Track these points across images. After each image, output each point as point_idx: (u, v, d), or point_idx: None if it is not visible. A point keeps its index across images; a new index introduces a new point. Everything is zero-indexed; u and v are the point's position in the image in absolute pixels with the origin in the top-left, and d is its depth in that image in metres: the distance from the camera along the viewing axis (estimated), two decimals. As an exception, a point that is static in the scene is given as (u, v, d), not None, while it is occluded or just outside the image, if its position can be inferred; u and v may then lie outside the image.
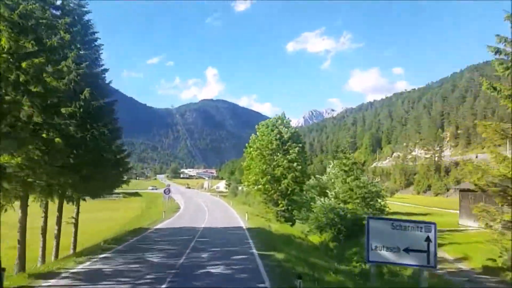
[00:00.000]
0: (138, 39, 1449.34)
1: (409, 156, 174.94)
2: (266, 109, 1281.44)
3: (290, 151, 42.29)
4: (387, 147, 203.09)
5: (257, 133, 45.96)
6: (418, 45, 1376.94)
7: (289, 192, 41.77)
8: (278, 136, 42.71)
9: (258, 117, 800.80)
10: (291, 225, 41.26)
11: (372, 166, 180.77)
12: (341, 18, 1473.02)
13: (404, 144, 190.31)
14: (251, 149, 45.05)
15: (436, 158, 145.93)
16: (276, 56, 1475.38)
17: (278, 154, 42.87)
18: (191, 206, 59.06)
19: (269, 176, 41.98)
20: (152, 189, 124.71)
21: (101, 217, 49.02)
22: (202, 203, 69.88)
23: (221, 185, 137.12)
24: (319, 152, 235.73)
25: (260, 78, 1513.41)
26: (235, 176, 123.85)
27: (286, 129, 43.41)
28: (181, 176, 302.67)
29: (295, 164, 42.44)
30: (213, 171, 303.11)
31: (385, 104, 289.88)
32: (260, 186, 43.21)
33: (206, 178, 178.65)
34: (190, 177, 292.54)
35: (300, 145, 45.03)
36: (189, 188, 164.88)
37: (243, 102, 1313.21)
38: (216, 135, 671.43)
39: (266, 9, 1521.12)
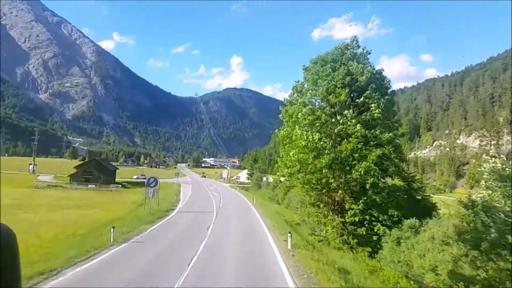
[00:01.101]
0: (163, 28, 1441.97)
1: (455, 144, 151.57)
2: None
3: (372, 106, 20.97)
4: (426, 134, 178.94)
5: (303, 77, 24.57)
6: (449, 31, 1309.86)
7: (368, 187, 20.57)
8: (346, 79, 21.52)
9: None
10: (371, 254, 20.60)
11: (411, 155, 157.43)
12: (369, 3, 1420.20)
13: (447, 131, 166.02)
14: (293, 110, 23.86)
15: (491, 146, 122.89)
16: (302, 43, 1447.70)
17: (346, 115, 21.58)
18: (195, 205, 38.85)
19: (328, 156, 20.82)
20: (138, 177, 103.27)
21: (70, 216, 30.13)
22: (213, 198, 49.28)
23: (243, 175, 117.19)
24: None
25: (285, 66, 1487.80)
26: (259, 164, 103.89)
27: (360, 66, 22.12)
28: (203, 165, 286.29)
29: (378, 132, 21.22)
30: (236, 160, 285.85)
31: (417, 90, 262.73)
32: (307, 176, 22.21)
33: (227, 167, 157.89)
34: (211, 166, 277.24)
35: (388, 97, 23.41)
36: (205, 177, 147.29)
37: (267, 91, 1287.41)
38: (240, 124, 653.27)
39: None
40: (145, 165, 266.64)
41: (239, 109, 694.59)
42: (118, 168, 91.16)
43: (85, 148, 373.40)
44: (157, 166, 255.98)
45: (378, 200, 20.83)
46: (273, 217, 29.98)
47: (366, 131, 21.25)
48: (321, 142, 21.63)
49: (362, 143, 21.12)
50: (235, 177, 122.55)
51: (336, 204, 22.88)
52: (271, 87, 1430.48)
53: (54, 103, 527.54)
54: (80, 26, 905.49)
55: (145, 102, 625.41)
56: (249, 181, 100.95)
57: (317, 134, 21.77)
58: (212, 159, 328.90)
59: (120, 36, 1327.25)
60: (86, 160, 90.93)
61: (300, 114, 22.44)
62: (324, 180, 21.95)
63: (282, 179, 39.94)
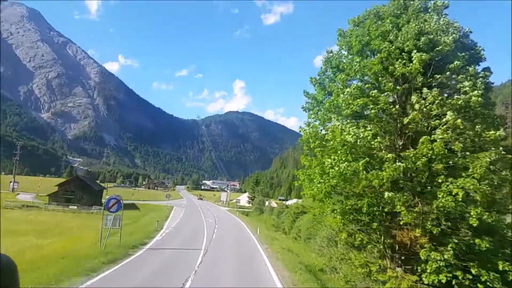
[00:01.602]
0: (168, 51, 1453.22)
1: None
2: (292, 123, 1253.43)
3: (465, 86, 11.80)
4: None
5: (339, 47, 15.26)
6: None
7: (472, 222, 11.13)
8: (420, 40, 12.46)
9: (283, 131, 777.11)
10: None
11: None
12: None
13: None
14: (325, 92, 14.55)
15: None
16: (304, 69, 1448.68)
17: (425, 95, 12.21)
18: (178, 237, 29.12)
19: (391, 166, 11.46)
20: (110, 199, 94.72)
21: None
22: (206, 227, 39.56)
23: (243, 198, 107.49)
24: None
25: (287, 91, 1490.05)
26: (261, 187, 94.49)
27: (443, 21, 13.00)
28: (202, 187, 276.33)
29: (479, 128, 11.83)
30: (236, 183, 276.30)
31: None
32: (349, 201, 12.91)
33: (227, 190, 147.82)
34: (211, 189, 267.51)
35: (482, 74, 13.96)
36: (202, 199, 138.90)
37: (268, 115, 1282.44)
38: (241, 148, 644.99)
39: (295, 22, 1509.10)
40: (143, 186, 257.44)
41: (240, 133, 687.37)
42: (106, 188, 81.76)
43: (84, 168, 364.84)
44: (155, 188, 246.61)
45: (483, 245, 11.46)
46: (291, 261, 20.34)
47: (467, 120, 11.95)
48: (376, 142, 12.46)
49: (454, 141, 11.81)
50: (234, 201, 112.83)
51: (399, 248, 13.47)
52: (273, 111, 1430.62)
53: (56, 122, 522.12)
54: (86, 48, 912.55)
55: (147, 123, 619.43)
56: (250, 205, 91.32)
57: (368, 129, 12.67)
58: (212, 181, 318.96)
59: (125, 58, 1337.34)
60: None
61: (341, 96, 13.28)
62: (383, 209, 12.66)
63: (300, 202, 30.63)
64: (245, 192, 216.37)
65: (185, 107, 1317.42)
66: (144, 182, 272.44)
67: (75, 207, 63.55)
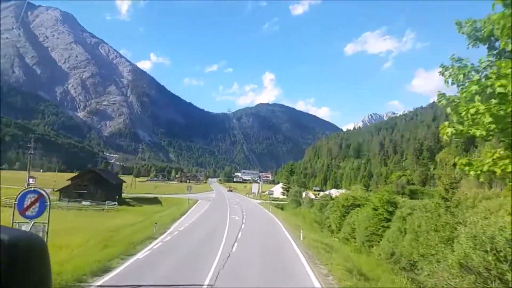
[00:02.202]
0: (198, 48, 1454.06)
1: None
2: (324, 113, 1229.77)
3: None
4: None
5: None
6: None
7: None
8: None
9: (315, 121, 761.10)
10: None
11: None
12: (404, 16, 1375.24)
13: None
14: None
15: None
16: (335, 58, 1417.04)
17: None
18: (182, 246, 19.68)
19: None
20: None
21: None
22: (228, 226, 29.61)
23: (277, 190, 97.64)
24: (392, 153, 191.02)
25: (318, 81, 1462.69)
26: (296, 177, 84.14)
27: None
28: (234, 180, 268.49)
29: None
30: (269, 175, 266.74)
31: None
32: None
33: (258, 182, 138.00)
34: (244, 181, 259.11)
35: None
36: (231, 191, 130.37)
37: (299, 106, 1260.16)
38: (272, 139, 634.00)
39: (324, 11, 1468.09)
40: (176, 179, 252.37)
41: (271, 124, 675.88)
42: (125, 181, 73.30)
43: (120, 163, 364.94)
44: (188, 181, 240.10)
45: None
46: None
47: None
48: None
49: None
50: (267, 192, 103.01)
51: None
52: (303, 102, 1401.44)
53: (92, 120, 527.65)
54: (118, 48, 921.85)
55: (179, 119, 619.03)
56: (285, 197, 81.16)
57: None
58: (245, 171, 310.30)
59: (156, 56, 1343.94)
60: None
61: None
62: None
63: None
64: (278, 183, 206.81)
65: (216, 102, 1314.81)
66: (176, 176, 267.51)
67: (88, 203, 55.47)
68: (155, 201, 66.84)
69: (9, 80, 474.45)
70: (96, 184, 60.07)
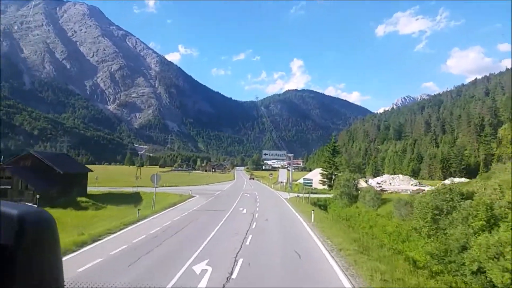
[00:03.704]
0: (225, 37, 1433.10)
1: None
2: (355, 98, 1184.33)
3: None
4: None
5: None
6: None
7: None
8: None
9: (346, 106, 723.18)
10: None
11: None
12: None
13: None
14: None
15: None
16: (365, 41, 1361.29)
17: None
18: None
19: None
20: None
21: None
22: None
23: (313, 176, 72.38)
24: (440, 132, 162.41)
25: (348, 66, 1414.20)
26: (346, 157, 58.74)
27: None
28: (263, 167, 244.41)
29: None
30: (300, 161, 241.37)
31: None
32: None
33: (289, 169, 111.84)
34: (273, 168, 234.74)
35: None
36: (253, 179, 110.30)
37: (329, 92, 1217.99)
38: (302, 126, 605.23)
39: None
40: (201, 168, 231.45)
41: (301, 111, 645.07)
42: (91, 170, 49.22)
43: (148, 154, 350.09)
44: (213, 170, 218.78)
45: None
46: None
47: None
48: None
49: None
50: (300, 181, 77.76)
51: None
52: (333, 88, 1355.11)
53: (121, 113, 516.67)
54: (147, 40, 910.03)
55: (207, 108, 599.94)
56: (325, 187, 55.64)
57: None
58: (274, 161, 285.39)
59: (185, 48, 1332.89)
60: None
61: None
62: None
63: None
64: (310, 170, 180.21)
65: (244, 90, 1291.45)
66: (202, 165, 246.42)
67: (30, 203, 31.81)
68: (130, 199, 42.92)
69: (40, 76, 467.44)
70: (30, 174, 37.02)
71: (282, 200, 39.88)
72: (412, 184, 72.84)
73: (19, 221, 0.89)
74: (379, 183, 69.62)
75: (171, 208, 28.69)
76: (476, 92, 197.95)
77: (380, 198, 34.05)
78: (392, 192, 43.54)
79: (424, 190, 48.92)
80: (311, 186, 38.20)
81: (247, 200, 37.75)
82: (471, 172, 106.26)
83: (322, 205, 41.47)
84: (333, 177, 51.24)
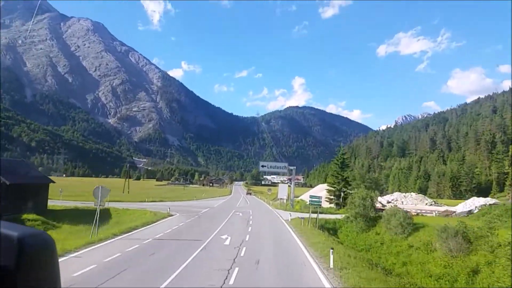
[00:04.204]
0: (228, 54, 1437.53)
1: None
2: (356, 116, 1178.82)
3: None
4: None
5: None
6: None
7: None
8: None
9: (347, 123, 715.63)
10: None
11: None
12: (438, 15, 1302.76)
13: None
14: None
15: None
16: (366, 61, 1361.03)
17: None
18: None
19: None
20: None
21: None
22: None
23: (318, 192, 64.02)
24: (446, 149, 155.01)
25: (349, 84, 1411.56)
26: (358, 172, 50.50)
27: None
28: (263, 183, 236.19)
29: None
30: (300, 177, 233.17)
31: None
32: None
33: (289, 184, 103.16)
34: (273, 184, 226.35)
35: None
36: (250, 194, 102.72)
37: (330, 110, 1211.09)
38: (303, 142, 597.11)
39: (355, 13, 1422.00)
40: (198, 183, 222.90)
41: (301, 127, 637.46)
42: (53, 182, 40.56)
43: (146, 167, 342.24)
44: (210, 184, 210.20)
45: None
46: None
47: None
48: None
49: None
50: (303, 198, 68.88)
51: None
52: (334, 106, 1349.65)
53: (122, 126, 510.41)
54: (151, 57, 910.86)
55: (208, 123, 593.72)
56: (331, 205, 46.96)
57: None
58: (274, 176, 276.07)
59: (188, 64, 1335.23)
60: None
61: None
62: None
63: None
64: (311, 186, 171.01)
65: (246, 107, 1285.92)
66: (200, 179, 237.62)
67: None
68: (93, 215, 34.41)
69: (42, 89, 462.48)
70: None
71: (281, 222, 31.12)
72: (427, 204, 64.22)
73: (19, 243, 0.88)
74: (389, 202, 61.15)
75: (128, 233, 20.18)
76: (482, 110, 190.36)
77: (412, 223, 25.40)
78: (414, 214, 34.93)
79: (453, 212, 40.28)
80: (320, 205, 29.56)
81: (237, 223, 29.10)
82: (482, 191, 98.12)
83: (331, 229, 32.79)
84: (342, 194, 42.69)
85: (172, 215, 33.13)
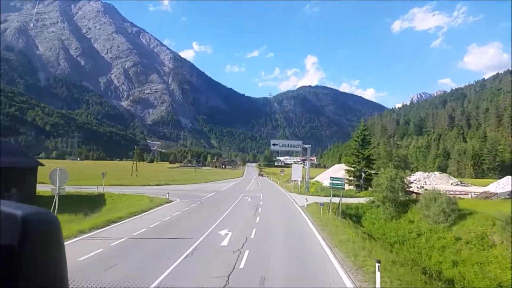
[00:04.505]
0: (239, 34, 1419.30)
1: None
2: (370, 94, 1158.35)
3: None
4: None
5: None
6: None
7: None
8: None
9: (361, 102, 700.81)
10: None
11: None
12: None
13: None
14: None
15: None
16: (381, 37, 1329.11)
17: None
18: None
19: None
20: None
21: None
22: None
23: (336, 173, 59.73)
24: (465, 126, 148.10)
25: (363, 62, 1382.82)
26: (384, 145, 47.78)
27: None
28: (276, 164, 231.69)
29: None
30: (314, 158, 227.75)
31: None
32: None
33: (303, 165, 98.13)
34: (286, 165, 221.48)
35: None
36: (262, 175, 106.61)
37: (343, 89, 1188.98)
38: (316, 123, 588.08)
39: None
40: (211, 165, 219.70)
41: (314, 107, 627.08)
42: (43, 165, 36.52)
43: (159, 150, 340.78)
44: (223, 166, 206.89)
45: None
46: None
47: None
48: None
49: None
50: (319, 179, 64.28)
51: None
52: (347, 85, 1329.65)
53: (135, 109, 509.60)
54: (162, 38, 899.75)
55: (220, 105, 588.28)
56: (351, 187, 42.21)
57: None
58: (287, 157, 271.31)
59: (199, 45, 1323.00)
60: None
61: None
62: None
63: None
64: (325, 167, 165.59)
65: (258, 87, 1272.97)
66: (212, 161, 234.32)
67: None
68: (88, 203, 30.31)
69: (55, 72, 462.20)
70: None
71: (296, 210, 26.42)
72: (452, 184, 59.03)
73: (23, 222, 0.88)
74: (411, 182, 56.03)
75: (101, 229, 15.86)
76: (504, 85, 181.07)
77: (457, 209, 20.52)
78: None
79: (495, 194, 35.08)
80: (343, 188, 24.79)
81: (244, 211, 24.61)
82: (506, 169, 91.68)
83: (354, 215, 28.15)
84: (363, 174, 37.84)
85: (170, 202, 28.81)
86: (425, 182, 58.96)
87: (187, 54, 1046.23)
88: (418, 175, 63.58)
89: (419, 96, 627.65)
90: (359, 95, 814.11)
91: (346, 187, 40.83)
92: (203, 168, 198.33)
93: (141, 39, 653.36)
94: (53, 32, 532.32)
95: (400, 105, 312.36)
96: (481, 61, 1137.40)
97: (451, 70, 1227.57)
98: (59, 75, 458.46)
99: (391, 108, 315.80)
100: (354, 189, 40.59)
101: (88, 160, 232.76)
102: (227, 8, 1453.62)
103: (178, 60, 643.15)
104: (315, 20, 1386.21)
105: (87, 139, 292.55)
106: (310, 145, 45.42)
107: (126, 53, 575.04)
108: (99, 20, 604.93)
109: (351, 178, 41.64)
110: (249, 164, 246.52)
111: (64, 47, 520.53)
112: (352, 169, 41.33)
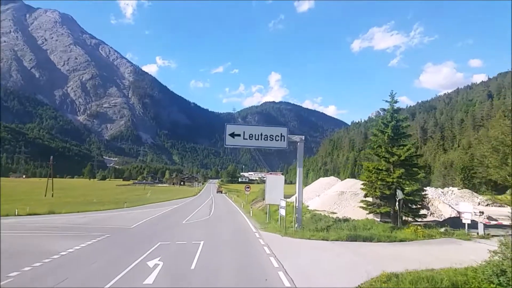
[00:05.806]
0: (204, 49, 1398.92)
1: None
2: (331, 111, 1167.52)
3: None
4: None
5: None
6: (499, 31, 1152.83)
7: None
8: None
9: (324, 119, 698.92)
10: None
11: None
12: (412, 10, 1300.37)
13: None
14: None
15: None
16: (341, 56, 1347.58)
17: None
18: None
19: None
20: None
21: None
22: None
23: (315, 192, 41.79)
24: (439, 138, 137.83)
25: (325, 80, 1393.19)
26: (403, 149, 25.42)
27: None
28: (239, 180, 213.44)
29: None
30: (279, 174, 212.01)
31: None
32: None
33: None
34: (250, 181, 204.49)
35: None
36: (221, 192, 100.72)
37: (306, 105, 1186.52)
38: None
39: (330, 7, 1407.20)
40: (168, 181, 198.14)
41: (278, 123, 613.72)
42: None
43: (115, 166, 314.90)
44: (181, 183, 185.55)
45: None
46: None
47: None
48: None
49: None
50: (294, 199, 45.89)
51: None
52: (310, 101, 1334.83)
53: (92, 124, 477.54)
54: (124, 51, 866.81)
55: (183, 120, 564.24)
56: (369, 216, 23.87)
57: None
58: (252, 173, 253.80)
59: (162, 60, 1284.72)
60: None
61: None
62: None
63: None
64: (290, 183, 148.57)
65: (222, 103, 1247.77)
66: (171, 177, 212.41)
67: None
68: None
69: (7, 84, 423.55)
70: None
71: None
72: (480, 204, 42.68)
73: None
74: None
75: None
76: (475, 96, 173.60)
77: None
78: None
79: None
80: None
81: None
82: (496, 183, 78.08)
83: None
84: (399, 193, 19.12)
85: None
86: (442, 200, 41.96)
87: (150, 69, 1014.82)
88: (429, 192, 46.46)
89: (377, 112, 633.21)
90: (321, 111, 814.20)
91: (364, 214, 22.64)
92: (159, 185, 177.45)
93: (100, 51, 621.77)
94: (5, 42, 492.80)
95: (367, 118, 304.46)
96: (436, 80, 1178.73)
97: (407, 88, 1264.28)
98: (11, 87, 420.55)
99: (350, 124, 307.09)
100: (379, 220, 21.95)
101: (35, 178, 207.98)
102: (192, 23, 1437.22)
103: (139, 74, 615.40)
104: (279, 38, 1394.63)
105: (36, 155, 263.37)
106: (303, 136, 21.63)
107: (84, 66, 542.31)
108: (56, 31, 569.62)
109: (375, 199, 21.86)
110: (211, 180, 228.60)
111: (17, 58, 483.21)
112: (379, 183, 19.97)
